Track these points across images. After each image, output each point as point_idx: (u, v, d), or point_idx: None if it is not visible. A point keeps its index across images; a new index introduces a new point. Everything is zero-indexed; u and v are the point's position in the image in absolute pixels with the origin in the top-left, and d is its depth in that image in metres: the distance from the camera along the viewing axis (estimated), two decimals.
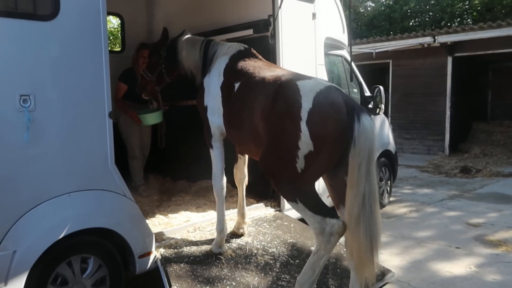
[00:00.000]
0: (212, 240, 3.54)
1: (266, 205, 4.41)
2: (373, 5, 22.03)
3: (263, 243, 3.68)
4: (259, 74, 3.10)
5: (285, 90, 2.73)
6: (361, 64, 11.09)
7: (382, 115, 6.03)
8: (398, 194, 7.37)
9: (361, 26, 20.44)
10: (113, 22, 12.09)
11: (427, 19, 19.56)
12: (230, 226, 3.81)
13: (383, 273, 3.58)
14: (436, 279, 3.89)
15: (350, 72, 4.72)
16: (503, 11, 17.01)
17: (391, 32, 17.25)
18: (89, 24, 2.85)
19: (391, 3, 20.26)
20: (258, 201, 4.46)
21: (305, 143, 2.56)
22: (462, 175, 8.98)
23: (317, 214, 2.65)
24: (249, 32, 4.66)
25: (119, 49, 6.14)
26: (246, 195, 3.86)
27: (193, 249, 3.44)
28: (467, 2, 18.56)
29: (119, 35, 6.79)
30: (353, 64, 5.25)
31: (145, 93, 4.03)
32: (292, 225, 4.06)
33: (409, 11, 19.51)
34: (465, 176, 8.92)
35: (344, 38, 5.49)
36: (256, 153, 3.05)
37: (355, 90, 5.77)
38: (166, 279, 3.04)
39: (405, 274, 4.00)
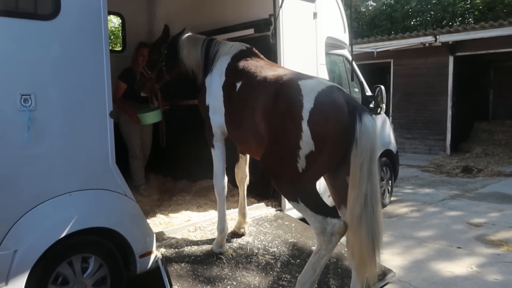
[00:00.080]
0: (213, 239, 3.54)
1: (267, 205, 4.40)
2: (374, 4, 22.01)
3: (264, 242, 3.68)
4: (261, 74, 3.10)
5: (286, 90, 2.73)
6: (362, 63, 11.07)
7: (383, 114, 6.02)
8: (399, 194, 7.36)
9: (362, 26, 20.42)
10: (114, 21, 12.09)
11: (428, 18, 19.53)
12: (231, 226, 3.80)
13: (384, 273, 3.58)
14: (437, 279, 3.88)
15: (351, 72, 4.71)
16: (505, 10, 16.97)
17: (392, 32, 17.25)
18: (90, 23, 2.85)
19: (392, 2, 20.24)
20: (259, 201, 4.46)
21: (307, 143, 2.55)
22: (464, 175, 8.97)
23: (318, 214, 2.65)
24: (250, 31, 4.65)
25: (120, 48, 6.15)
26: (247, 195, 3.86)
27: (194, 248, 3.44)
28: (469, 1, 18.54)
29: (120, 34, 6.79)
30: (354, 63, 5.24)
31: (144, 91, 4.00)
32: (293, 224, 4.06)
33: (410, 10, 19.48)
34: (467, 175, 8.91)
35: (345, 37, 5.48)
36: (257, 152, 3.05)
37: (356, 90, 5.76)
38: (167, 279, 3.04)
39: (406, 274, 4.00)
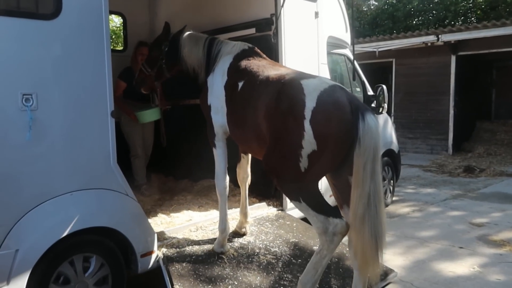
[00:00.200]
0: (214, 239, 3.54)
1: (269, 205, 4.40)
2: (376, 3, 21.98)
3: (265, 242, 3.67)
4: (263, 73, 3.09)
5: (288, 89, 2.72)
6: (364, 63, 11.06)
7: (385, 114, 6.01)
8: (401, 194, 7.35)
9: (364, 25, 20.39)
10: (115, 21, 12.10)
11: (430, 17, 19.49)
12: (232, 226, 3.80)
13: (386, 273, 3.57)
14: (439, 279, 3.87)
15: (353, 71, 4.71)
16: (508, 9, 16.93)
17: (394, 31, 17.22)
18: (91, 23, 2.85)
19: (394, 1, 20.20)
20: (260, 201, 4.45)
21: (309, 142, 2.54)
22: (466, 175, 8.94)
23: (320, 214, 2.64)
24: (252, 31, 4.64)
25: (121, 48, 6.15)
26: (248, 194, 3.85)
27: (195, 248, 3.44)
28: (471, 0, 18.48)
29: (121, 34, 6.79)
30: (356, 63, 5.24)
31: (143, 88, 3.97)
32: (295, 224, 4.05)
33: (412, 9, 19.44)
34: (469, 175, 8.88)
35: (347, 37, 5.47)
36: (259, 152, 3.04)
37: (358, 89, 5.75)
38: (168, 278, 3.03)
39: (408, 274, 3.99)
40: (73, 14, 2.74)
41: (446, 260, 4.29)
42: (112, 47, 3.90)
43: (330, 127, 2.54)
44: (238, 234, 3.77)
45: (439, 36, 10.62)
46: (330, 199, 3.48)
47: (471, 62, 11.33)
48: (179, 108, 5.16)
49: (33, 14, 2.67)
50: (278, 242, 3.69)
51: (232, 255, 3.42)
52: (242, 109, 3.11)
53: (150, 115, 4.58)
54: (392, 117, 11.57)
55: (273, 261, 3.40)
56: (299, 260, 3.46)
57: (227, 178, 3.56)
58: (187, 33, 3.68)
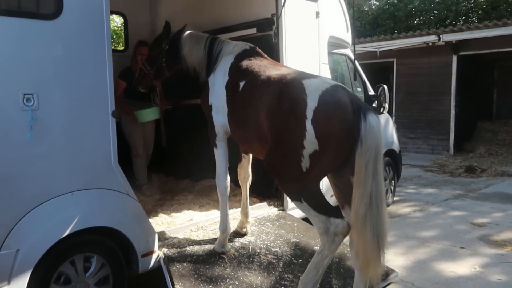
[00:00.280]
0: (215, 239, 3.54)
1: (270, 205, 4.40)
2: (377, 3, 21.97)
3: (266, 242, 3.67)
4: (264, 73, 3.09)
5: (290, 89, 2.72)
6: (365, 63, 11.06)
7: (386, 114, 6.00)
8: (402, 194, 7.34)
9: (365, 25, 20.38)
10: (116, 21, 12.10)
11: (431, 17, 19.47)
12: (233, 225, 3.80)
13: (386, 273, 3.56)
14: (440, 279, 3.86)
15: (354, 71, 4.70)
16: (509, 9, 16.90)
17: (396, 31, 17.20)
18: (92, 23, 2.85)
19: (395, 1, 20.17)
20: (261, 201, 4.45)
21: (310, 142, 2.54)
22: (467, 175, 8.93)
23: (322, 214, 2.63)
24: (253, 31, 4.64)
25: (122, 48, 6.15)
26: (249, 194, 3.85)
27: (196, 248, 3.44)
28: (472, 0, 18.45)
29: (122, 34, 6.80)
30: (357, 63, 5.23)
31: (142, 86, 3.95)
32: (295, 224, 4.05)
33: (413, 9, 19.42)
34: (470, 175, 8.87)
35: (348, 37, 5.46)
36: (260, 152, 3.04)
37: (359, 89, 5.74)
38: (169, 278, 3.03)
39: (409, 274, 3.98)
40: (74, 14, 2.74)
41: (447, 260, 4.28)
42: (113, 47, 3.91)
43: (332, 127, 2.53)
44: (239, 234, 3.77)
45: (440, 36, 10.61)
46: (331, 199, 3.47)
47: (472, 62, 11.31)
48: (180, 108, 5.16)
49: (34, 14, 2.67)
50: (279, 242, 3.69)
51: (233, 255, 3.42)
52: (243, 109, 3.11)
53: (149, 115, 4.58)
54: (393, 117, 11.56)
55: (274, 261, 3.40)
56: (300, 260, 3.46)
57: (228, 178, 3.56)
58: (188, 32, 3.67)
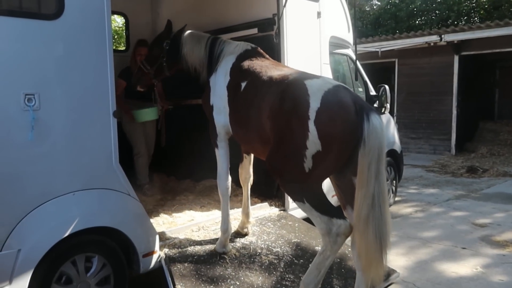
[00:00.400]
0: (216, 239, 3.54)
1: (271, 205, 4.39)
2: (379, 3, 21.93)
3: (267, 242, 3.67)
4: (266, 74, 3.08)
5: (292, 89, 2.71)
6: (366, 63, 11.05)
7: (387, 114, 5.99)
8: (404, 194, 7.33)
9: (366, 25, 20.34)
10: (118, 21, 12.11)
11: (433, 17, 19.44)
12: (234, 226, 3.80)
13: (388, 273, 3.55)
14: (442, 280, 3.85)
15: (355, 71, 4.70)
16: (511, 9, 16.85)
17: (397, 31, 17.17)
18: (94, 23, 2.85)
19: (397, 1, 20.14)
20: (262, 201, 4.45)
21: (313, 143, 2.53)
22: (469, 175, 8.92)
23: (324, 215, 2.63)
24: (254, 31, 4.64)
25: (123, 48, 6.15)
26: (250, 195, 3.85)
27: (197, 248, 3.44)
28: (474, 0, 18.41)
29: (124, 34, 6.80)
30: (358, 63, 5.23)
31: (140, 86, 3.88)
32: (297, 224, 4.05)
33: (415, 9, 19.38)
34: (472, 176, 8.85)
35: (349, 37, 5.46)
36: (262, 152, 3.04)
37: (361, 89, 5.74)
38: (170, 278, 3.03)
39: (410, 274, 3.98)
40: (75, 14, 2.74)
41: (449, 261, 4.27)
42: (114, 47, 3.90)
43: (334, 127, 2.53)
44: (240, 234, 3.77)
45: (442, 36, 10.59)
46: (333, 199, 3.47)
47: (474, 62, 11.29)
48: (181, 108, 5.16)
49: (35, 14, 2.68)
50: (280, 242, 3.69)
51: (234, 255, 3.41)
52: (245, 109, 3.10)
53: (147, 115, 4.57)
54: (395, 117, 11.54)
55: (275, 261, 3.40)
56: (301, 261, 3.45)
57: (229, 178, 3.55)
58: (189, 31, 3.67)
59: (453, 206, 6.48)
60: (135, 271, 3.19)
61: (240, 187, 3.92)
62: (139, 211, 3.16)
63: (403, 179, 7.31)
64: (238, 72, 3.31)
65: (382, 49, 11.63)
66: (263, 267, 3.31)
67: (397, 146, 6.35)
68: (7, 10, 2.53)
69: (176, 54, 3.63)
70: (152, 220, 3.56)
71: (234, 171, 3.71)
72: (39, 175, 2.67)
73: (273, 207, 4.37)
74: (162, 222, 3.91)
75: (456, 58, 10.97)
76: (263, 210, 4.27)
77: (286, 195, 4.22)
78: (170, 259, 3.21)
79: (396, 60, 12.10)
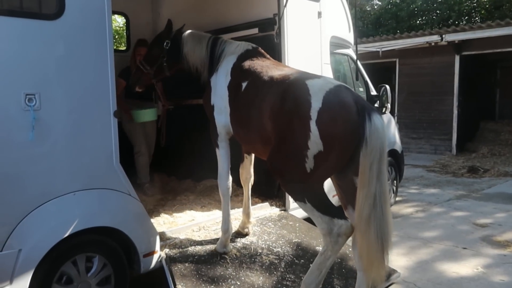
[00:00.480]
0: (217, 239, 3.54)
1: (271, 205, 4.39)
2: (380, 3, 21.91)
3: (268, 242, 3.67)
4: (267, 74, 3.08)
5: (294, 89, 2.71)
6: (367, 63, 11.03)
7: (388, 114, 5.99)
8: (405, 194, 7.33)
9: (367, 25, 20.32)
10: (118, 21, 12.11)
11: (434, 17, 19.42)
12: (235, 226, 3.79)
13: (389, 274, 3.55)
14: (443, 280, 3.85)
15: (356, 71, 4.69)
16: None
17: (398, 31, 17.15)
18: (94, 23, 2.85)
19: (397, 1, 20.12)
20: (263, 201, 4.45)
21: (315, 143, 2.53)
22: (470, 175, 8.91)
23: (325, 215, 2.62)
24: (254, 31, 4.64)
25: (124, 48, 6.16)
26: (251, 195, 3.84)
27: (198, 248, 3.44)
28: (475, 0, 18.39)
29: (124, 34, 6.80)
30: (359, 63, 5.22)
31: (139, 86, 3.80)
32: (297, 224, 4.04)
33: (416, 9, 19.36)
34: (473, 176, 8.84)
35: (350, 36, 5.45)
36: (263, 152, 3.03)
37: (361, 89, 5.73)
38: (170, 278, 3.03)
39: (411, 274, 3.97)
40: (76, 14, 2.74)
41: (450, 261, 4.27)
42: (115, 47, 3.90)
43: (336, 127, 2.52)
44: (240, 234, 3.77)
45: (443, 36, 10.57)
46: (334, 199, 3.47)
47: (475, 62, 11.28)
48: (181, 108, 5.15)
49: (36, 14, 2.68)
50: (280, 242, 3.69)
51: (234, 255, 3.41)
52: (246, 110, 3.10)
53: (146, 115, 4.57)
54: (396, 117, 11.54)
55: (276, 261, 3.40)
56: (302, 261, 3.45)
57: (230, 178, 3.55)
58: (189, 31, 3.65)
59: (454, 206, 6.47)
60: (136, 271, 3.19)
61: (241, 187, 3.92)
62: (140, 211, 3.16)
63: (404, 179, 7.31)
64: (239, 72, 3.30)
65: (383, 49, 11.62)
66: (264, 267, 3.31)
67: (398, 146, 6.34)
68: (8, 10, 2.53)
69: (177, 54, 3.61)
70: (152, 220, 3.56)
71: (235, 171, 3.71)
72: (39, 175, 2.68)
73: (274, 207, 4.37)
74: (163, 222, 3.90)
75: (457, 58, 10.96)
76: (264, 210, 4.27)
77: (287, 195, 4.22)
78: (170, 259, 3.21)
79: (397, 60, 12.09)
